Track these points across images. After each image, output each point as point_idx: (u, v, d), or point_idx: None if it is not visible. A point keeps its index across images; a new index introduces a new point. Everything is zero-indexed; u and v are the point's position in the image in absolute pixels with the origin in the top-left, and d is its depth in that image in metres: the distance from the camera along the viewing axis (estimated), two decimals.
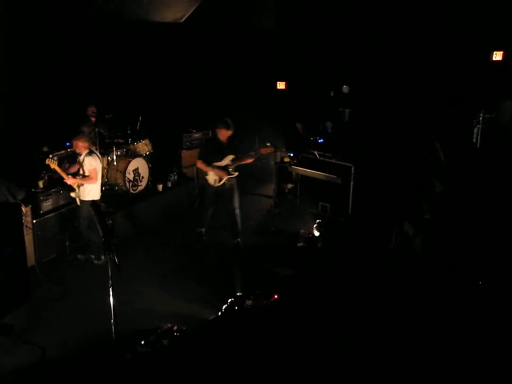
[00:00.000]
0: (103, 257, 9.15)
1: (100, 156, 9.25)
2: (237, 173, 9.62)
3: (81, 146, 8.89)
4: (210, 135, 13.00)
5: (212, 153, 9.54)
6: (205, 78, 13.28)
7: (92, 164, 8.87)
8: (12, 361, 6.67)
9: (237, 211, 9.78)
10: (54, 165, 8.75)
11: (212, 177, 9.56)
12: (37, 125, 10.38)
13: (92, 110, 11.34)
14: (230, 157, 9.53)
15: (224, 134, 9.46)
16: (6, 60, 9.75)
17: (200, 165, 9.59)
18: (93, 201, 8.73)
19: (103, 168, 10.76)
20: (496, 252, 7.68)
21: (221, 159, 9.52)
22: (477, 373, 5.36)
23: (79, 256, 9.34)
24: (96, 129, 10.58)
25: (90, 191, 8.95)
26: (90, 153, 8.93)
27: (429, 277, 7.08)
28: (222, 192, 9.72)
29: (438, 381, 5.42)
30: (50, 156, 8.98)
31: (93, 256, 9.23)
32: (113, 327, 6.20)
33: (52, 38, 10.51)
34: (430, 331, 5.89)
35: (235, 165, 9.57)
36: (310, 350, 5.63)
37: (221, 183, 9.56)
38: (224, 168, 9.53)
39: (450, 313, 6.10)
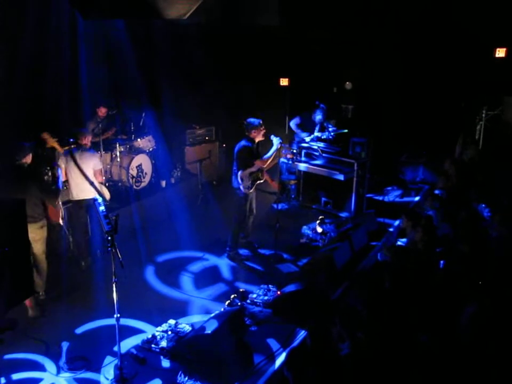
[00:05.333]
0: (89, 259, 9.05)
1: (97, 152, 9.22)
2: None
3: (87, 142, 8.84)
4: (215, 135, 13.11)
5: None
6: (207, 74, 13.28)
7: None
8: (15, 356, 6.70)
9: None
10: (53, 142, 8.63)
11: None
12: (40, 121, 10.38)
13: (104, 110, 11.31)
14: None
15: (260, 134, 9.18)
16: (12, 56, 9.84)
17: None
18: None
19: (106, 164, 10.83)
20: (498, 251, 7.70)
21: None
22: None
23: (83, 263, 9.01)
24: (100, 125, 10.59)
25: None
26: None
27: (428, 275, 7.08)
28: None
29: None
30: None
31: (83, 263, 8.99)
32: (117, 322, 6.22)
33: (59, 35, 10.56)
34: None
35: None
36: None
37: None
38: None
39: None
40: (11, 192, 7.31)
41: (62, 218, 8.13)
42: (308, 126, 12.21)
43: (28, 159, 7.65)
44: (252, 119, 9.14)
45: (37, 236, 7.57)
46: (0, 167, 8.05)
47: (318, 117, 12.07)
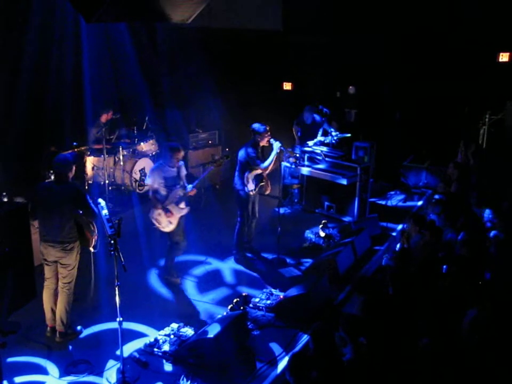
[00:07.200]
0: None
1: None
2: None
3: None
4: (218, 139, 13.12)
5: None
6: (211, 78, 13.30)
7: None
8: (18, 359, 6.69)
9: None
10: None
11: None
12: (44, 125, 10.40)
13: (110, 113, 11.27)
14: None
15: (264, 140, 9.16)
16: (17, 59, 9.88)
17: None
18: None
19: (109, 168, 10.84)
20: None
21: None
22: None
23: None
24: (103, 129, 10.60)
25: None
26: None
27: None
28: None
29: None
30: None
31: None
32: (119, 326, 6.21)
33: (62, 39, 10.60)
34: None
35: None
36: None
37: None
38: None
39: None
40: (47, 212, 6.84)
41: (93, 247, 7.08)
42: (304, 127, 12.20)
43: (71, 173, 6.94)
44: (257, 125, 9.09)
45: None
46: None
47: (307, 116, 12.03)
